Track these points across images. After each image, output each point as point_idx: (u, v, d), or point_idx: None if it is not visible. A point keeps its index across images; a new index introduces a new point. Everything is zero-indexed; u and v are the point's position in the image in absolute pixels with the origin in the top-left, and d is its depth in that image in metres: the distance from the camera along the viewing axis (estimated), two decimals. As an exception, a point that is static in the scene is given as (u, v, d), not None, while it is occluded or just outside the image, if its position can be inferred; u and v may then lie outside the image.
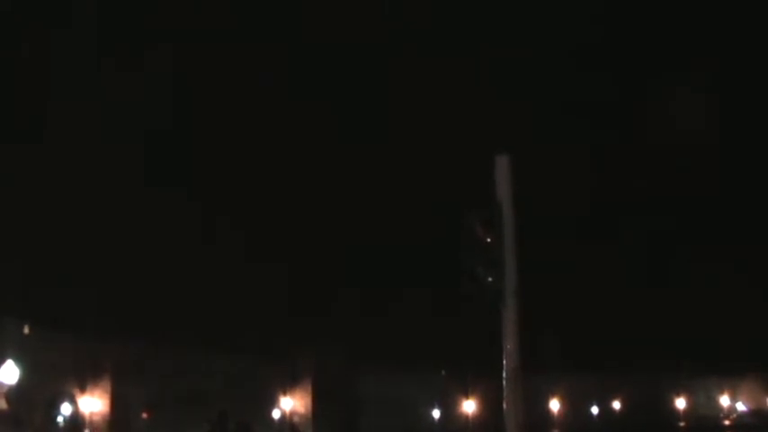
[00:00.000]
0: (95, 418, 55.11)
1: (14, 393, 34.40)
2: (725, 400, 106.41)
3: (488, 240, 6.88)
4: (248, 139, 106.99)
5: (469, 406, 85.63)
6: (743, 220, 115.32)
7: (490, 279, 6.85)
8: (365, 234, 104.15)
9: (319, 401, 71.70)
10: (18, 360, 33.19)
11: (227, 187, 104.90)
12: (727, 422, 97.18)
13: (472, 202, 7.19)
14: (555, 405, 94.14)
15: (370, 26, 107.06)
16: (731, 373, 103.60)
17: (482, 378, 79.16)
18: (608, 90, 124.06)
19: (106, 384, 55.87)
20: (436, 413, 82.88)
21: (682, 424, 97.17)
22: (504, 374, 6.70)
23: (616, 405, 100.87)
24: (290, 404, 71.59)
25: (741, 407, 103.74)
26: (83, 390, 54.91)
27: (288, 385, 71.69)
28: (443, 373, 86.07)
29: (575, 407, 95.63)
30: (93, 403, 55.35)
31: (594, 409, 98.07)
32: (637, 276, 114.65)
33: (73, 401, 54.46)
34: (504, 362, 6.75)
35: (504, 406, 6.70)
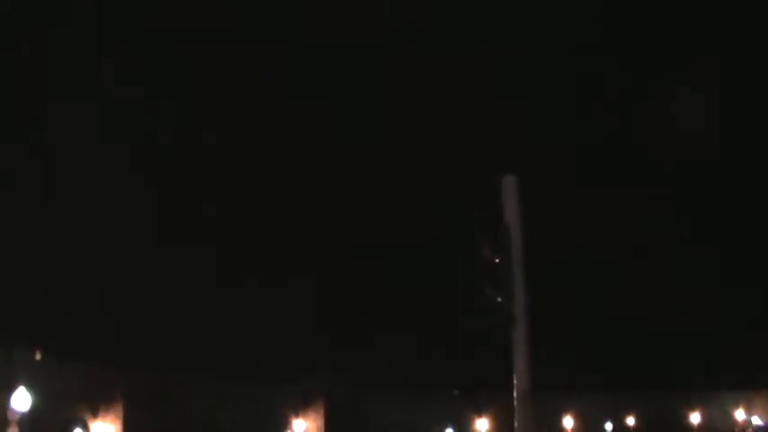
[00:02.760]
0: (108, 443, 55.11)
1: (27, 420, 34.41)
2: (740, 414, 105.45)
3: (496, 261, 6.91)
4: (248, 139, 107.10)
5: (482, 425, 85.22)
6: (745, 225, 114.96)
7: (499, 300, 6.87)
8: (365, 239, 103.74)
9: (332, 423, 71.50)
10: (30, 387, 33.27)
11: (227, 192, 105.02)
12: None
13: (474, 204, 7.21)
14: (569, 422, 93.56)
15: (370, 26, 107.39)
16: (746, 386, 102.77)
17: (495, 397, 78.93)
18: (609, 90, 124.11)
19: (118, 410, 55.78)
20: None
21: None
22: (515, 395, 6.71)
23: (630, 421, 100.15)
24: (303, 426, 71.36)
25: (756, 421, 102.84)
26: (95, 416, 54.83)
27: (300, 407, 71.53)
28: (456, 392, 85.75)
29: (588, 424, 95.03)
30: (106, 429, 55.23)
31: (608, 426, 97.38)
32: (646, 291, 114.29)
33: (85, 428, 54.42)
34: (515, 382, 6.76)
35: (516, 426, 6.70)
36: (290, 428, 70.49)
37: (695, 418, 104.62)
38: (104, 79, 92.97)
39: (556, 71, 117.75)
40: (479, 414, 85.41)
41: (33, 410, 35.24)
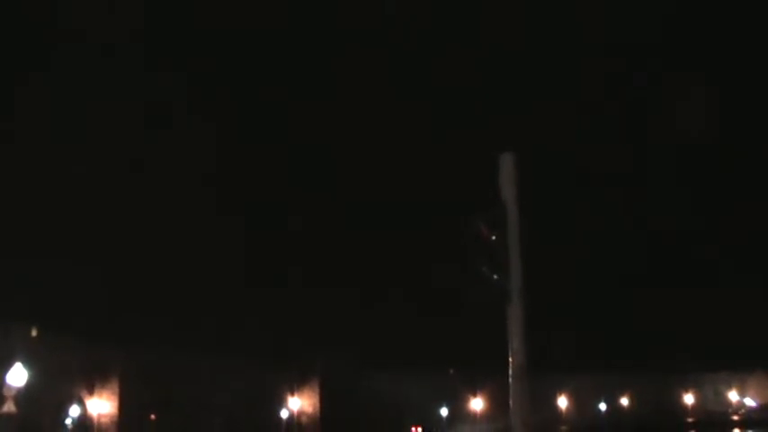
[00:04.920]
0: (103, 420, 55.23)
1: (23, 396, 34.40)
2: (733, 396, 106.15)
3: (493, 238, 6.86)
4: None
5: (477, 404, 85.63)
6: (746, 219, 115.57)
7: (495, 277, 6.83)
8: (372, 231, 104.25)
9: (327, 401, 71.69)
10: (26, 363, 33.22)
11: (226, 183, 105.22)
12: (735, 417, 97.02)
13: (478, 200, 7.19)
14: (563, 402, 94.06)
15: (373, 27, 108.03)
16: (739, 368, 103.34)
17: (490, 376, 79.25)
18: (614, 89, 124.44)
19: (114, 386, 55.97)
20: (444, 411, 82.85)
21: (690, 419, 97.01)
22: (510, 372, 6.68)
23: (624, 401, 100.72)
24: (298, 404, 71.60)
25: (749, 402, 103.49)
26: (91, 392, 55.02)
27: (296, 385, 71.72)
28: (451, 371, 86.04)
29: (583, 404, 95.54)
30: (102, 405, 55.45)
31: (603, 406, 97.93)
32: (644, 275, 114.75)
33: (81, 404, 54.59)
34: (510, 360, 6.73)
35: (511, 404, 6.69)
36: (286, 406, 70.74)
37: (689, 399, 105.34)
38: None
39: (561, 71, 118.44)
40: (474, 393, 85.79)
41: (29, 386, 35.24)
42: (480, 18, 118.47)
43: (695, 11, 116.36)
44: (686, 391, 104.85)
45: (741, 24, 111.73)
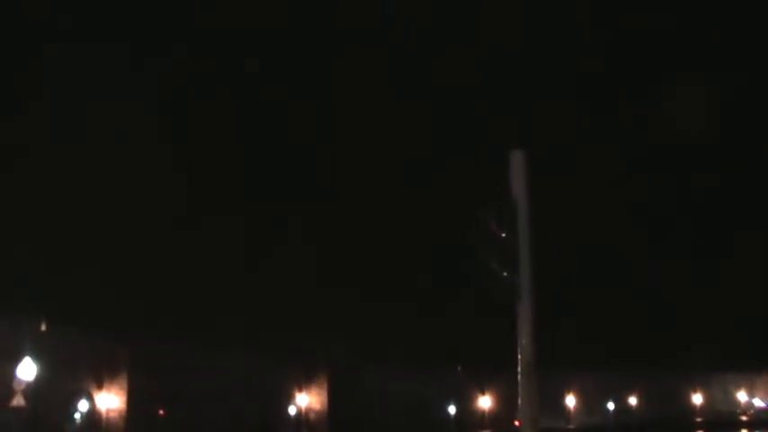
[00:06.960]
0: (112, 414, 55.30)
1: (32, 390, 34.57)
2: (742, 396, 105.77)
3: (503, 235, 6.84)
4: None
5: (485, 401, 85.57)
6: (746, 217, 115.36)
7: (505, 274, 6.81)
8: (377, 231, 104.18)
9: (335, 398, 71.75)
10: (35, 357, 33.40)
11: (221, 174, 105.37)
12: (744, 418, 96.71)
13: (484, 198, 7.18)
14: (571, 401, 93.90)
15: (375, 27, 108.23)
16: (748, 368, 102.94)
17: (498, 373, 79.22)
18: (616, 89, 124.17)
19: (123, 381, 56.01)
20: (452, 409, 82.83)
21: (698, 419, 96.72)
22: (518, 369, 6.66)
23: (632, 401, 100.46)
24: (306, 400, 71.71)
25: (758, 402, 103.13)
26: (99, 386, 55.09)
27: (303, 382, 71.81)
28: (459, 368, 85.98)
29: (591, 403, 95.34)
30: (110, 400, 55.52)
31: (611, 405, 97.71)
32: (649, 273, 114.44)
33: (90, 398, 54.70)
34: (519, 356, 6.71)
35: (519, 401, 6.67)
36: (294, 403, 70.87)
37: (697, 398, 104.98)
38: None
39: (564, 71, 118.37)
40: (482, 391, 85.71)
41: (39, 380, 35.39)
42: (480, 18, 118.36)
43: (695, 11, 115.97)
44: (695, 391, 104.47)
45: (741, 24, 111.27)
